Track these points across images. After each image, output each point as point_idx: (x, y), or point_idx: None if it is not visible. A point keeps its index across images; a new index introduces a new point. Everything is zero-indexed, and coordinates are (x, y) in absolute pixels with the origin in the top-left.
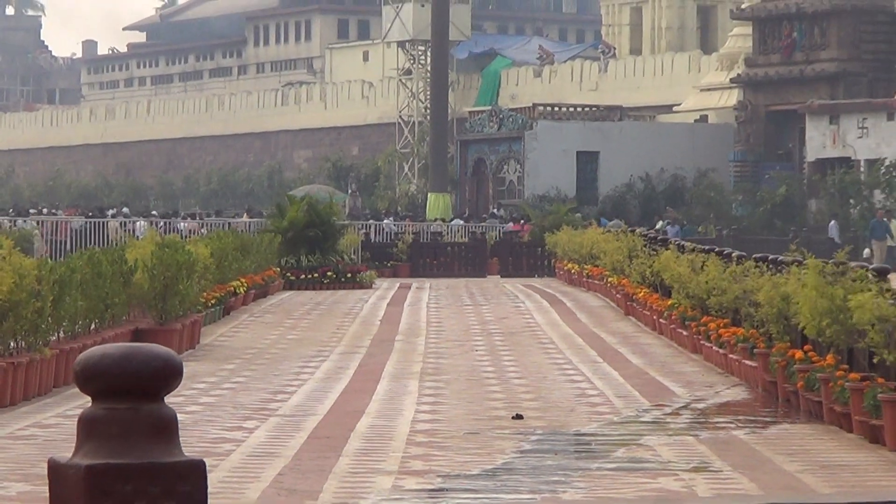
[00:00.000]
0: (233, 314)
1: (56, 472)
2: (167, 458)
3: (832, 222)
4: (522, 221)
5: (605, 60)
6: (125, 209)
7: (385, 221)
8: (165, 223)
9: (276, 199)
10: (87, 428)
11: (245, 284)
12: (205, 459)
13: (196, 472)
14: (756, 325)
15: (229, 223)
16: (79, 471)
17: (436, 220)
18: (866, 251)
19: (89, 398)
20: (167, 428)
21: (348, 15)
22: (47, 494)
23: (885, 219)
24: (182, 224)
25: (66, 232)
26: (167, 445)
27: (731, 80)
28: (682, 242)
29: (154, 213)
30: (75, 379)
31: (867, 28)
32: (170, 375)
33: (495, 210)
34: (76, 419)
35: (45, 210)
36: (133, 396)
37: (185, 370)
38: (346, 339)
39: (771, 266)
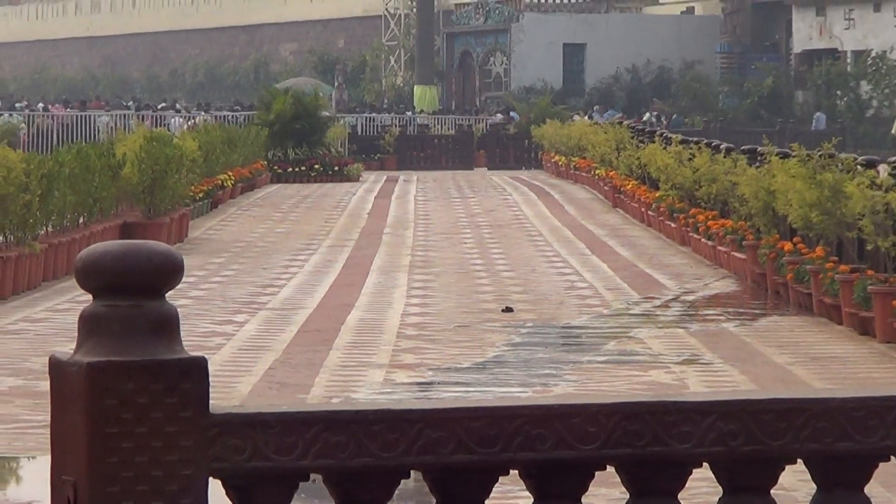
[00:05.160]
0: (220, 207)
1: (57, 369)
2: (169, 355)
3: (817, 114)
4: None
5: None
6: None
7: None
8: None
9: (262, 93)
10: (89, 325)
11: (232, 178)
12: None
13: (198, 370)
14: (744, 217)
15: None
16: (80, 368)
17: (420, 111)
18: None
19: (84, 293)
20: (169, 325)
21: None
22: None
23: None
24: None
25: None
26: (169, 342)
27: None
28: (668, 134)
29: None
30: (76, 276)
31: None
32: (171, 272)
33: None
34: (66, 313)
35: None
36: (135, 293)
37: None
38: (334, 232)
39: (757, 159)
